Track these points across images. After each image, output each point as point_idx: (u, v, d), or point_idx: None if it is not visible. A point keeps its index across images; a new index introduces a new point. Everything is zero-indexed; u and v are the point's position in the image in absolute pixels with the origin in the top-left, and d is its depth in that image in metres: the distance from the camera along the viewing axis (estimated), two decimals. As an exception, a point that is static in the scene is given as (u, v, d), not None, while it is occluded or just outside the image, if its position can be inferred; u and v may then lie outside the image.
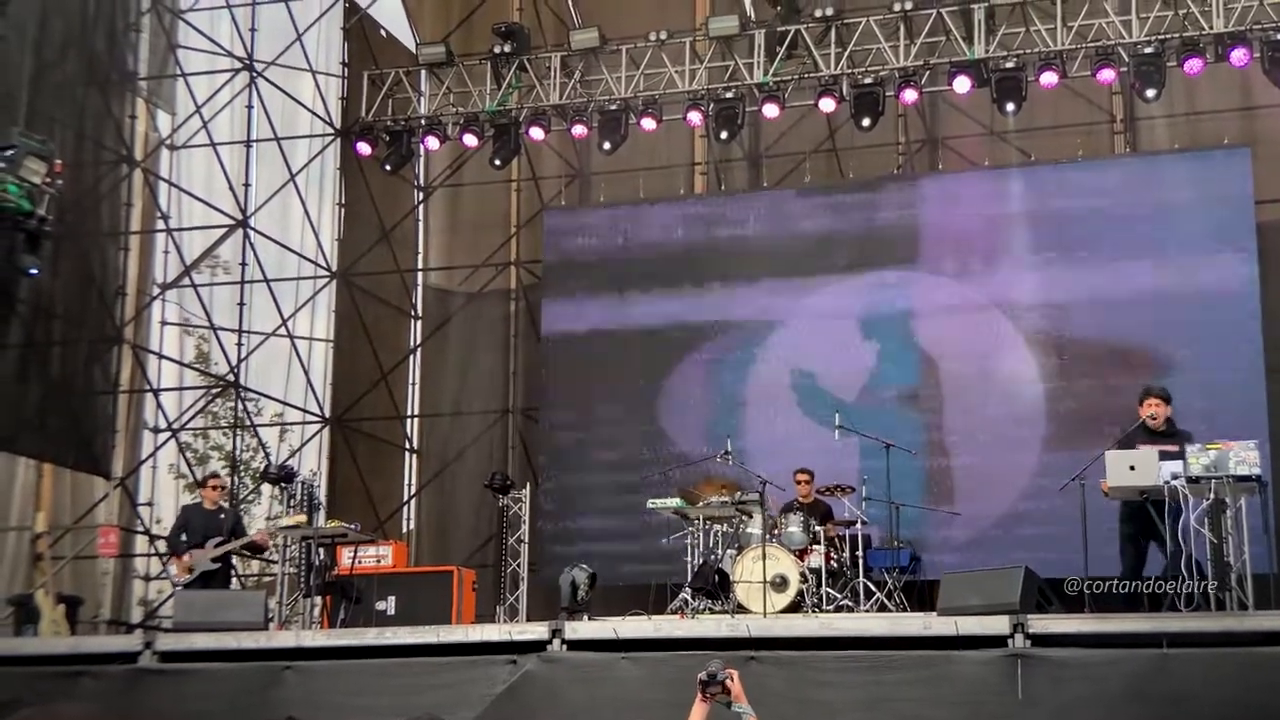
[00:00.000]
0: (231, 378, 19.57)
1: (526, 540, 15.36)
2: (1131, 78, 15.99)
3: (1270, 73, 15.40)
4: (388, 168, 18.40)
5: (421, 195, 21.19)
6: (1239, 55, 15.37)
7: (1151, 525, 11.45)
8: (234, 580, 18.56)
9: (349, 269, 20.05)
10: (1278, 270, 16.66)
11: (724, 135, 17.22)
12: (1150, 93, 15.83)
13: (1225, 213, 16.56)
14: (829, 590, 13.42)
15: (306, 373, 20.00)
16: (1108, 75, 16.11)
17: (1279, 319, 16.51)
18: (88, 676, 11.85)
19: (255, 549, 14.73)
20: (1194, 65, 15.62)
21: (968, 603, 10.76)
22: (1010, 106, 16.32)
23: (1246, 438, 11.37)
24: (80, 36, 17.63)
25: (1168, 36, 15.64)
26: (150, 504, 18.85)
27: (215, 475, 15.21)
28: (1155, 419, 12.04)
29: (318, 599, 13.77)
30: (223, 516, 13.94)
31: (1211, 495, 10.96)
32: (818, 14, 16.67)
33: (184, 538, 13.78)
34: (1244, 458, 10.94)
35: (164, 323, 19.77)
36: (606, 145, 17.51)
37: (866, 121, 16.62)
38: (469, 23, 19.90)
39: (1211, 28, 15.43)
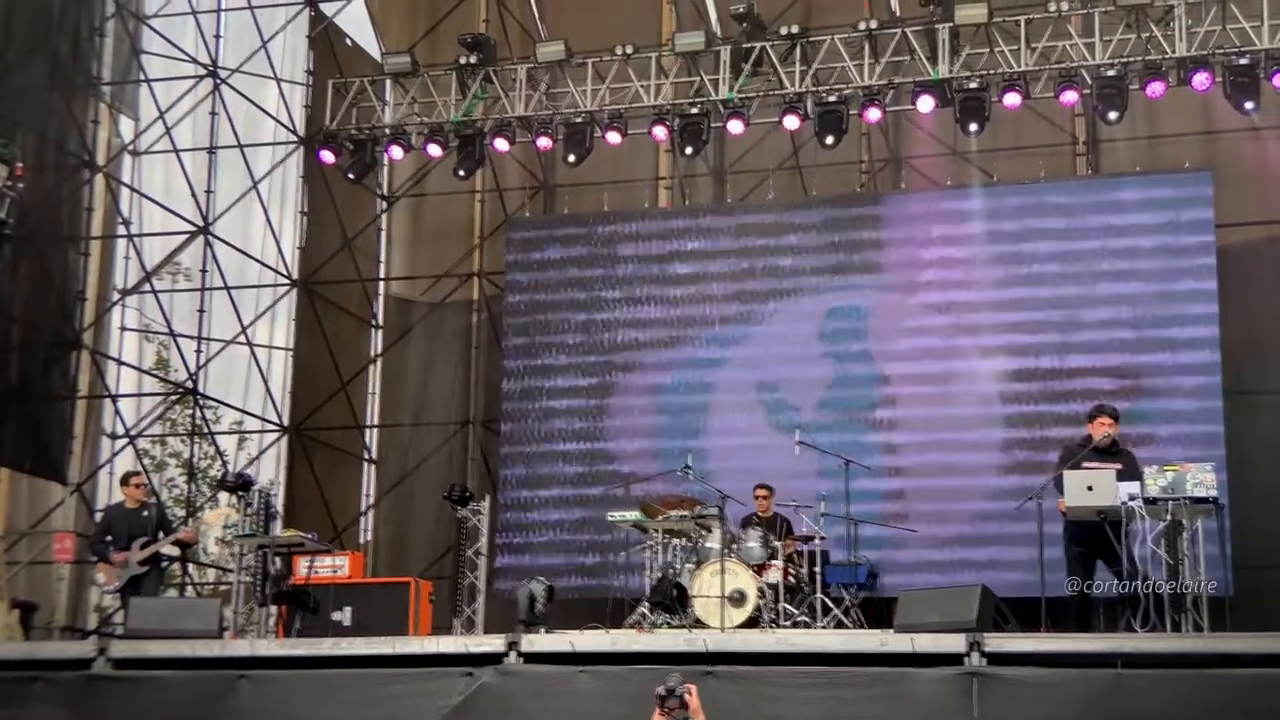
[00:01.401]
0: (190, 385, 19.47)
1: (485, 552, 15.32)
2: (1094, 100, 16.09)
3: (1232, 97, 15.53)
4: (351, 176, 18.32)
5: (384, 204, 21.15)
6: (1201, 79, 15.48)
7: (1102, 544, 11.51)
8: (189, 589, 18.52)
9: (310, 277, 19.98)
10: (1236, 293, 16.79)
11: (688, 150, 17.24)
12: (1112, 115, 15.92)
13: (1186, 236, 16.69)
14: (786, 606, 13.42)
15: (266, 381, 19.91)
16: (1070, 97, 16.19)
17: (1237, 342, 16.65)
18: (41, 683, 11.76)
19: (182, 545, 14.53)
20: (1156, 88, 15.72)
21: (924, 620, 10.79)
22: (973, 127, 16.38)
23: (1203, 460, 11.47)
24: (44, 40, 17.56)
25: (1130, 60, 15.74)
26: (102, 512, 18.68)
27: (137, 473, 14.86)
28: (1107, 438, 12.11)
29: (273, 608, 13.69)
30: (146, 514, 13.67)
31: (1168, 517, 11.04)
32: (783, 31, 16.71)
33: (109, 539, 13.58)
34: (1201, 480, 11.03)
35: (123, 328, 19.64)
36: (571, 158, 17.49)
37: (830, 139, 16.66)
38: (435, 33, 19.90)
39: (1174, 52, 15.53)
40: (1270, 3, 15.31)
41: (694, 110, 16.94)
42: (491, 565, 15.67)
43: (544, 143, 17.73)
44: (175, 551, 13.94)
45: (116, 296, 19.39)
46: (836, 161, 18.34)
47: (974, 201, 17.72)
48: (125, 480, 14.29)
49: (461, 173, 18.07)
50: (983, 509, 16.53)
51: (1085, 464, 11.87)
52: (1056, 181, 17.96)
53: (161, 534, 13.58)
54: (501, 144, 17.76)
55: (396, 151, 18.10)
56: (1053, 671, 10.02)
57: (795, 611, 13.48)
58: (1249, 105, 15.50)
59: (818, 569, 13.86)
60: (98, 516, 18.11)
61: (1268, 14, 15.24)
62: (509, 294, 19.24)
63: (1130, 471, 11.56)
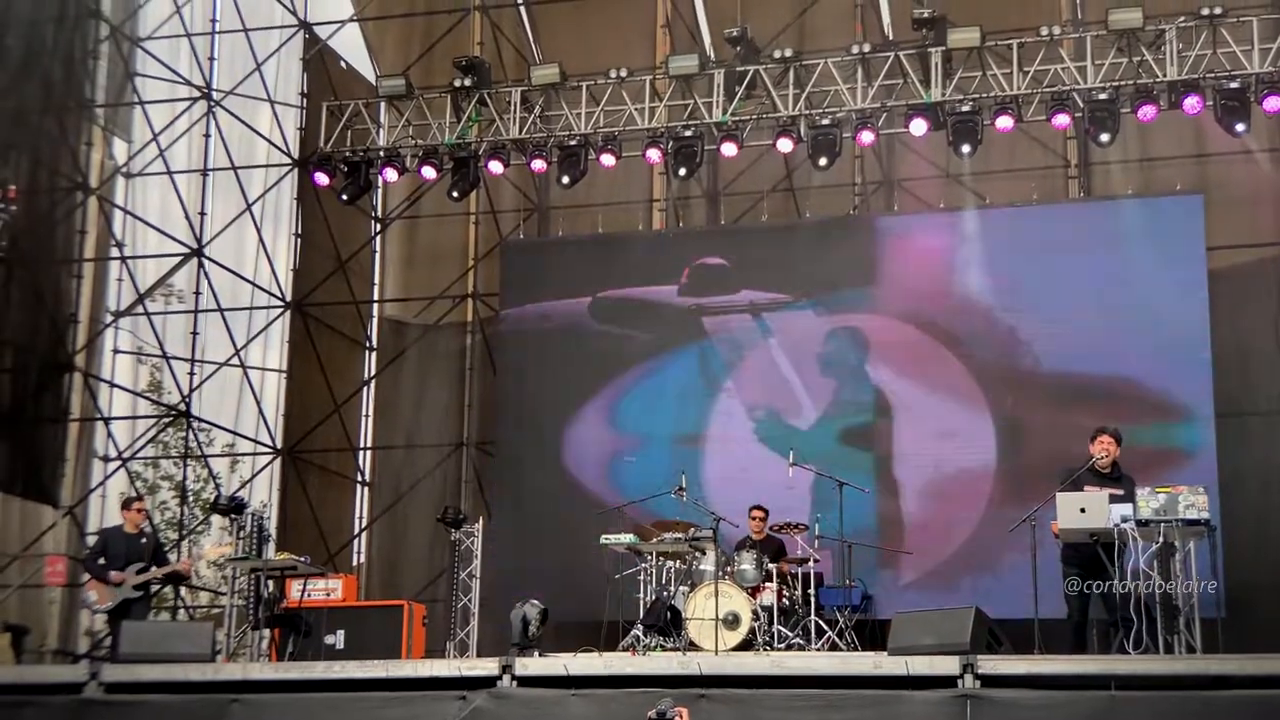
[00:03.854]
0: (183, 407, 19.47)
1: (478, 575, 15.31)
2: (1086, 123, 16.13)
3: (1222, 120, 15.59)
4: (344, 198, 18.29)
5: (378, 227, 21.17)
6: (1191, 103, 15.55)
7: (1096, 567, 11.53)
8: (181, 612, 18.48)
9: (304, 299, 19.99)
10: (1228, 316, 16.81)
11: (682, 172, 17.25)
12: (1104, 137, 15.96)
13: (1177, 258, 16.70)
14: (781, 628, 13.43)
15: (259, 403, 19.90)
16: (1062, 120, 16.24)
17: (1229, 364, 16.67)
18: (32, 707, 11.73)
19: (178, 578, 14.54)
20: (1147, 112, 15.78)
21: (918, 642, 10.79)
22: (966, 148, 16.40)
23: (1196, 482, 11.49)
24: (37, 62, 17.58)
25: (1122, 83, 15.81)
26: (99, 533, 18.65)
27: (139, 498, 14.89)
28: (1106, 456, 12.12)
29: (266, 632, 13.67)
30: (144, 541, 13.72)
31: (1160, 539, 11.05)
32: (776, 55, 16.75)
33: (102, 562, 13.56)
34: (1193, 502, 11.06)
35: (116, 351, 19.63)
36: (565, 179, 17.51)
37: (824, 161, 16.68)
38: (429, 56, 19.94)
39: (1165, 75, 15.60)
40: (1260, 27, 15.40)
41: (688, 133, 16.96)
42: (485, 588, 15.64)
43: (538, 165, 17.75)
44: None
45: (109, 319, 19.40)
46: (830, 184, 18.43)
47: (967, 224, 17.72)
48: (127, 505, 14.26)
49: (455, 194, 18.07)
50: (977, 530, 16.53)
51: (1085, 487, 11.87)
52: (1048, 204, 18.02)
53: (154, 565, 13.58)
54: (496, 166, 17.78)
55: (391, 174, 18.11)
56: (1046, 694, 10.01)
57: (789, 634, 13.49)
58: (1239, 127, 15.54)
59: (812, 591, 13.86)
60: (89, 539, 18.17)
61: (1258, 38, 15.32)
62: (503, 316, 19.25)
63: (1129, 497, 11.54)
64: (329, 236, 20.10)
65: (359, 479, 20.78)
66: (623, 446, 18.08)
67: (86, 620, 18.86)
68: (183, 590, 17.33)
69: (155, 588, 14.07)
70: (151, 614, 14.02)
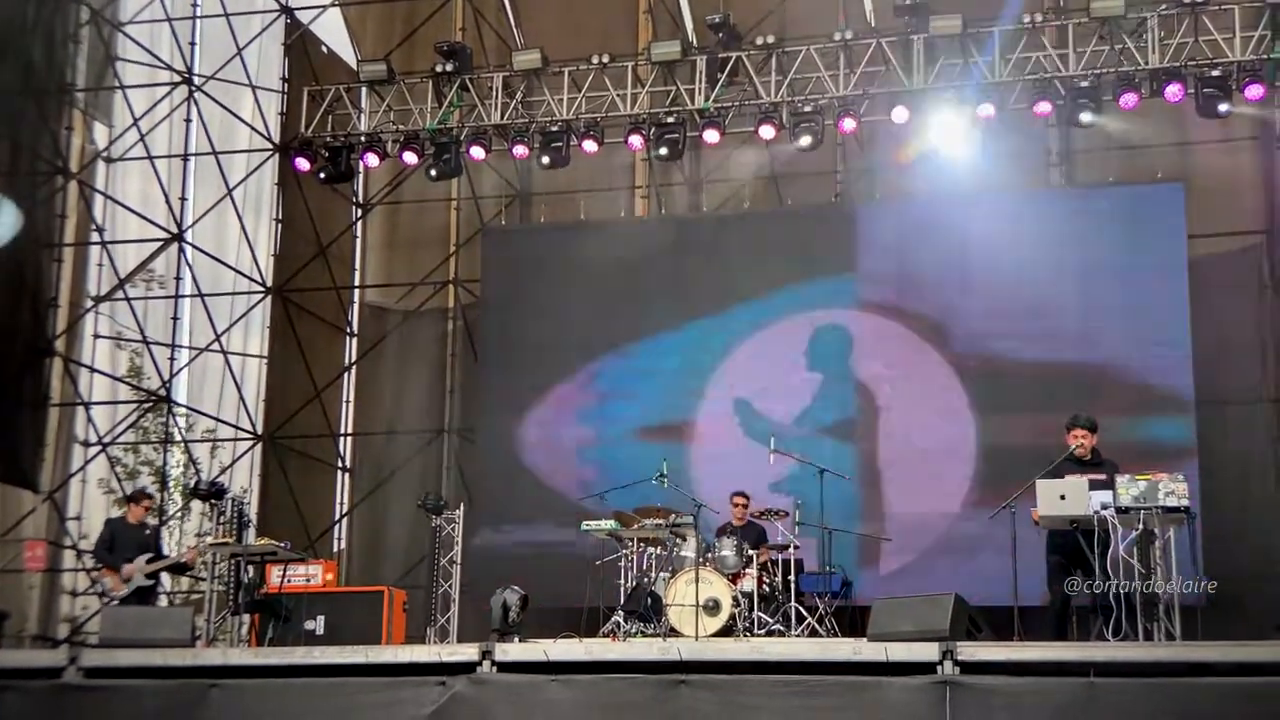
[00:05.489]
0: (163, 392, 19.42)
1: (459, 561, 15.31)
2: (1067, 110, 16.13)
3: (1202, 109, 15.61)
4: (322, 176, 18.12)
5: (359, 212, 21.12)
6: (1173, 91, 15.57)
7: (1079, 554, 11.55)
8: (162, 598, 18.46)
9: (284, 285, 19.93)
10: (1208, 304, 16.85)
11: (664, 151, 17.13)
12: (1085, 117, 15.92)
13: (1158, 247, 16.76)
14: (761, 614, 13.45)
15: (239, 389, 19.86)
16: (1044, 108, 16.25)
17: (1209, 353, 16.71)
18: (10, 691, 11.67)
19: (184, 568, 14.71)
20: (1129, 100, 15.79)
21: (898, 629, 10.81)
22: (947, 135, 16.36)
23: (1176, 471, 11.52)
24: (17, 45, 17.49)
25: (1104, 71, 15.82)
26: (79, 518, 18.65)
27: (147, 494, 15.06)
28: (1082, 447, 12.16)
29: (246, 617, 13.67)
30: (148, 533, 14.05)
31: (1140, 526, 11.08)
32: (759, 41, 16.75)
33: (111, 550, 13.75)
34: (1173, 489, 11.08)
35: (96, 336, 19.60)
36: (546, 159, 17.42)
37: (806, 141, 16.58)
38: (411, 41, 19.89)
39: (1147, 63, 15.62)
40: (1242, 15, 15.41)
41: (670, 119, 16.94)
42: (465, 574, 15.64)
43: (520, 151, 17.69)
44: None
45: (90, 303, 19.34)
46: (811, 171, 18.39)
47: (948, 211, 17.71)
48: (135, 499, 14.51)
49: (434, 173, 17.90)
50: (957, 518, 16.57)
51: (1066, 475, 11.89)
52: (1030, 191, 18.02)
53: (159, 554, 13.79)
54: (478, 152, 17.72)
55: (372, 159, 18.04)
56: (1025, 680, 10.02)
57: (769, 620, 13.51)
58: (1223, 107, 15.51)
59: (792, 577, 13.89)
60: (69, 524, 18.14)
61: (1239, 26, 15.34)
62: (484, 302, 19.24)
63: (1112, 482, 11.56)
64: (310, 222, 20.05)
65: (340, 465, 20.76)
66: (605, 434, 18.09)
67: (66, 605, 18.85)
68: (164, 576, 17.30)
69: (165, 577, 14.33)
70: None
